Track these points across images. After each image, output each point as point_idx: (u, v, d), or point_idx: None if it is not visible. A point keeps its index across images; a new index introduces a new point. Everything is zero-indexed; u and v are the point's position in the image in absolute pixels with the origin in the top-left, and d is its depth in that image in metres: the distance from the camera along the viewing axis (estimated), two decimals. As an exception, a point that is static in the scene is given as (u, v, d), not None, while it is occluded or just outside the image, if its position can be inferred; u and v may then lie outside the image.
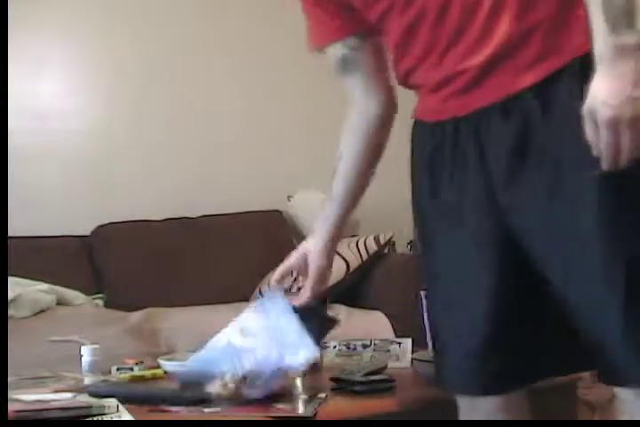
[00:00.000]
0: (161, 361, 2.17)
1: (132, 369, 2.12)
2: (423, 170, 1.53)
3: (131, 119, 3.89)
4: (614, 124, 1.23)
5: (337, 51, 1.64)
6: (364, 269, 3.37)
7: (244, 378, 1.73)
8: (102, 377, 2.08)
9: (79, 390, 1.88)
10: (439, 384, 1.57)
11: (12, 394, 1.75)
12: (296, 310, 1.76)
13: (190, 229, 3.75)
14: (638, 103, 1.22)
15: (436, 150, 1.49)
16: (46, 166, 3.75)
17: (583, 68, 1.30)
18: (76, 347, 2.24)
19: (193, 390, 1.76)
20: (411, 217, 1.61)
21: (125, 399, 1.73)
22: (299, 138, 4.04)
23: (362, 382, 1.89)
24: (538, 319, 1.44)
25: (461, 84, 1.42)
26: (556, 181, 1.35)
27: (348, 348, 2.36)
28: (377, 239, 3.43)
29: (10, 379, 1.86)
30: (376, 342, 2.35)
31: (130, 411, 1.66)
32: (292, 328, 1.73)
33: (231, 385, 1.72)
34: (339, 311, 3.10)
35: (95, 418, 1.62)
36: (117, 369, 2.12)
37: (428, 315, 1.65)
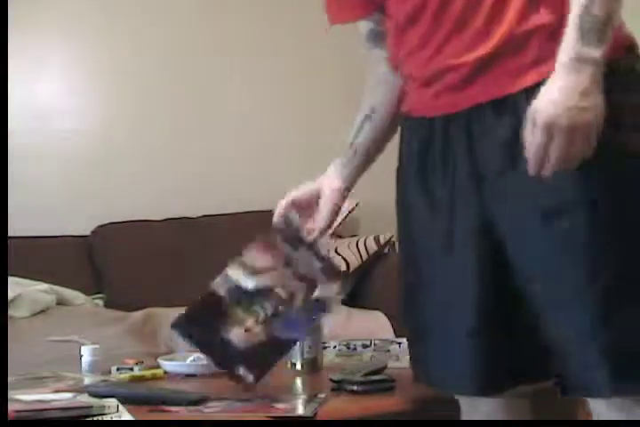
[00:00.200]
0: (161, 361, 2.17)
1: (131, 369, 2.12)
2: (411, 166, 1.53)
3: (131, 119, 3.89)
4: (550, 128, 1.23)
5: (365, 26, 1.65)
6: (364, 269, 3.38)
7: (272, 317, 1.61)
8: (102, 377, 2.08)
9: (79, 390, 1.88)
10: (427, 384, 1.57)
11: (11, 394, 1.75)
12: (305, 246, 1.65)
13: (190, 229, 3.75)
14: (581, 114, 1.23)
15: (425, 148, 1.49)
16: (46, 166, 3.75)
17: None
18: (76, 347, 2.24)
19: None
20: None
21: (125, 399, 1.73)
22: (299, 138, 4.04)
23: (362, 382, 1.89)
24: (519, 320, 1.43)
25: (454, 79, 1.41)
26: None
27: (348, 348, 2.36)
28: (377, 239, 3.43)
29: (10, 379, 1.86)
30: (376, 342, 2.35)
31: (130, 411, 1.66)
32: (311, 260, 1.63)
33: (256, 329, 1.62)
34: (339, 311, 3.10)
35: (95, 418, 1.62)
36: (117, 369, 2.12)
37: (406, 310, 1.62)
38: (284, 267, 1.61)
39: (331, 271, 1.62)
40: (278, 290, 1.59)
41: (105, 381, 2.05)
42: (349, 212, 1.59)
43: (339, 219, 1.75)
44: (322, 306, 1.64)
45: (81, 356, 2.14)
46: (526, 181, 1.32)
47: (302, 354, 2.15)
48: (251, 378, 1.61)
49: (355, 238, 3.46)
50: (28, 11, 3.66)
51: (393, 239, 3.54)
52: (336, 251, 3.42)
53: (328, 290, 1.60)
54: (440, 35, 1.42)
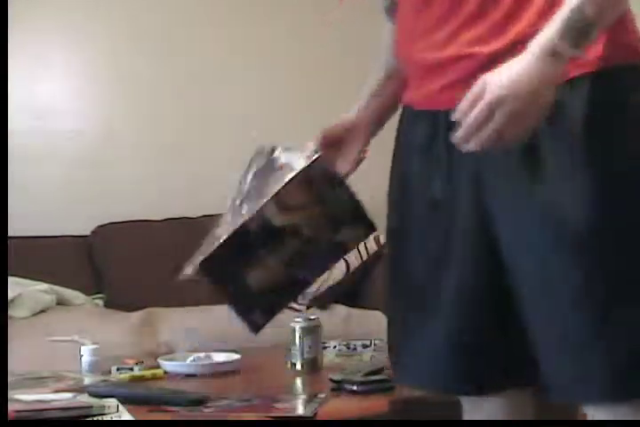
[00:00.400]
0: (161, 361, 2.17)
1: (132, 369, 2.12)
2: (412, 161, 1.47)
3: (131, 119, 3.89)
4: (495, 107, 1.20)
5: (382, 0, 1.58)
6: (364, 269, 3.37)
7: (294, 257, 1.50)
8: (102, 377, 2.09)
9: (79, 390, 1.88)
10: (417, 386, 1.55)
11: (11, 394, 1.75)
12: (337, 185, 1.52)
13: (190, 229, 3.74)
14: (530, 104, 1.20)
15: (429, 143, 1.43)
16: (46, 166, 3.75)
17: (599, 82, 1.28)
18: (76, 347, 2.24)
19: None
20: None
21: (125, 399, 1.73)
22: (299, 138, 4.03)
23: (362, 382, 1.89)
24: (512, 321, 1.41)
25: (465, 70, 1.35)
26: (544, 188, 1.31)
27: (348, 348, 2.36)
28: (377, 239, 3.43)
29: (10, 379, 1.86)
30: (376, 342, 2.35)
31: (130, 411, 1.67)
32: (341, 200, 1.51)
33: (277, 269, 1.50)
34: (339, 311, 3.11)
35: (95, 418, 1.62)
36: (117, 369, 2.13)
37: (393, 307, 1.56)
38: (316, 205, 1.50)
39: (358, 214, 1.56)
40: (305, 229, 1.50)
41: (105, 381, 2.05)
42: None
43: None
44: (343, 249, 1.56)
45: (81, 356, 2.14)
46: (527, 181, 1.32)
47: (302, 354, 2.15)
48: (262, 321, 1.53)
49: (355, 238, 3.46)
50: (29, 10, 3.66)
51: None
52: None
53: (350, 234, 1.52)
54: (458, 18, 1.36)
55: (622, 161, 1.30)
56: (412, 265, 1.49)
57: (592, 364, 1.29)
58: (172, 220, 3.76)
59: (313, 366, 2.15)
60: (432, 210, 1.45)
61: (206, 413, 1.70)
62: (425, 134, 1.44)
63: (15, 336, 2.31)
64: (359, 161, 1.61)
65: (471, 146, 1.24)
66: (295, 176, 1.47)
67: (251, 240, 1.48)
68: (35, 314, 3.14)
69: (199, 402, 1.76)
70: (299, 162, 1.50)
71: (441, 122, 1.39)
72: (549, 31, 1.22)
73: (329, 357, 2.26)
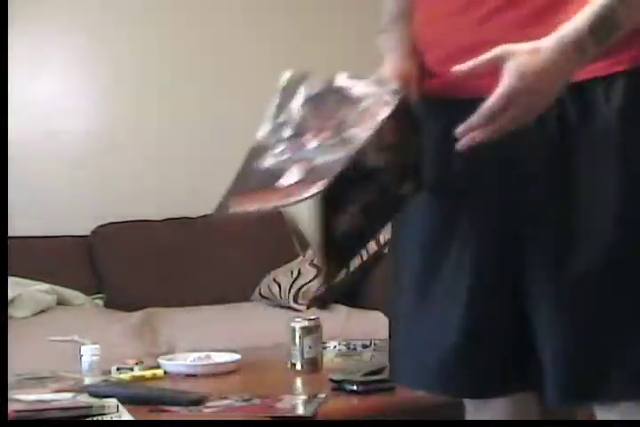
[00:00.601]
0: (161, 361, 2.17)
1: (132, 369, 2.12)
2: (431, 150, 1.35)
3: (131, 119, 3.89)
4: (510, 98, 1.16)
5: None
6: (364, 269, 3.37)
7: (372, 204, 1.28)
8: (102, 377, 2.09)
9: (79, 390, 1.88)
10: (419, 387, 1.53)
11: (11, 394, 1.75)
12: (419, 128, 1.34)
13: (190, 229, 3.75)
14: (541, 100, 1.18)
15: (448, 133, 1.26)
16: (46, 166, 3.74)
17: (635, 80, 1.25)
18: (76, 347, 2.24)
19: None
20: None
21: (125, 399, 1.73)
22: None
23: (362, 382, 1.89)
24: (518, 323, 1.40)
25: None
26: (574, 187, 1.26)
27: (348, 348, 2.36)
28: (377, 239, 3.43)
29: (10, 379, 1.86)
30: (376, 342, 2.35)
31: (130, 411, 1.67)
32: (415, 149, 1.34)
33: (357, 216, 1.28)
34: (339, 311, 3.11)
35: (95, 418, 1.62)
36: (117, 369, 2.13)
37: (394, 307, 1.50)
38: (397, 149, 1.30)
39: (418, 169, 1.35)
40: (384, 175, 1.29)
41: (105, 381, 2.05)
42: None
43: None
44: (397, 207, 1.37)
45: (81, 356, 2.14)
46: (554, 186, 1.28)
47: (302, 354, 2.15)
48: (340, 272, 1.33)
49: (355, 238, 3.45)
50: (29, 10, 3.66)
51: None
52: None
53: (406, 189, 1.33)
54: (492, 2, 1.27)
55: None
56: (414, 265, 1.48)
57: (621, 362, 1.26)
58: (172, 220, 3.76)
59: (313, 366, 2.15)
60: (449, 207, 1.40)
61: (206, 413, 1.70)
62: (444, 124, 1.31)
63: (15, 336, 2.31)
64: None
65: (479, 137, 1.19)
66: (394, 111, 1.25)
67: (345, 178, 1.22)
68: (35, 314, 3.14)
69: (199, 402, 1.76)
70: (384, 97, 1.28)
71: (465, 111, 1.23)
72: (580, 25, 1.18)
73: (329, 357, 2.26)
